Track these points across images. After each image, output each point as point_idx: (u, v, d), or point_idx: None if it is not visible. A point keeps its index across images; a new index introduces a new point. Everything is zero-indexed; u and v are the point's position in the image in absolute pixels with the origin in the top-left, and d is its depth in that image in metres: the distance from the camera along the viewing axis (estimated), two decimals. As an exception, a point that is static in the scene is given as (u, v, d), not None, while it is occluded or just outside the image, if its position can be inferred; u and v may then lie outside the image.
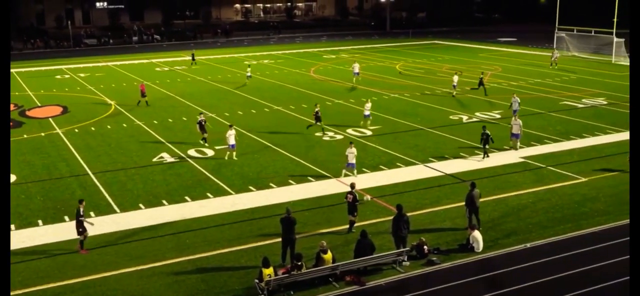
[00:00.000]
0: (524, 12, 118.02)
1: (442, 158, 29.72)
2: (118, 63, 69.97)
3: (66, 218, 22.91)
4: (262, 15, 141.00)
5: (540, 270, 18.36)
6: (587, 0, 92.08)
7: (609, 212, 22.70)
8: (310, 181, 26.86)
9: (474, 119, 37.61)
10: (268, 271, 17.04)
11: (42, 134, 36.17)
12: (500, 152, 30.29)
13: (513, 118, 31.80)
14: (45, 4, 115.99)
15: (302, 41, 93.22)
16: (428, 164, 28.91)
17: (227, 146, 30.15)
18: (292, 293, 17.28)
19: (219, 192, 25.61)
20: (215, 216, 23.08)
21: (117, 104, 44.62)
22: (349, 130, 35.00)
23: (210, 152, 31.28)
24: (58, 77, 60.15)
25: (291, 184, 26.46)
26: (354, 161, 26.83)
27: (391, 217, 19.82)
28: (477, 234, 19.82)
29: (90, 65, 68.81)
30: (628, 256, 18.34)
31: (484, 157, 29.50)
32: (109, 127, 37.65)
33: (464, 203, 21.54)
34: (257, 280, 17.31)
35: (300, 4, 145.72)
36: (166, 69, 64.47)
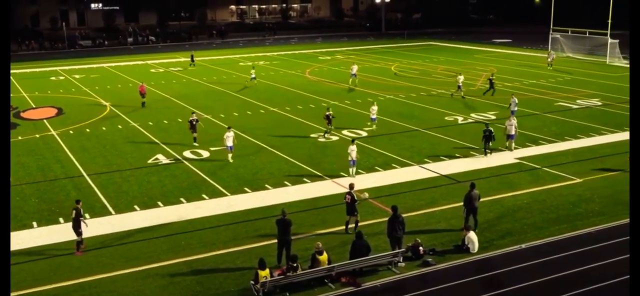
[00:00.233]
0: (519, 13, 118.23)
1: (437, 159, 29.79)
2: (113, 64, 69.85)
3: (61, 219, 22.87)
4: (257, 16, 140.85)
5: (535, 270, 18.39)
6: (581, 1, 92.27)
7: (604, 213, 22.77)
8: (306, 182, 26.88)
9: (470, 120, 37.71)
10: (264, 273, 17.03)
11: (37, 136, 36.07)
12: (495, 153, 30.36)
13: (508, 119, 31.87)
14: (40, 5, 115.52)
15: (298, 42, 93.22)
16: (423, 165, 28.96)
17: (225, 147, 30.13)
18: (287, 294, 17.27)
19: (214, 194, 25.59)
20: (210, 217, 23.06)
21: (112, 106, 44.54)
22: (345, 131, 35.02)
23: (205, 153, 31.27)
24: (53, 78, 60.02)
25: (287, 185, 26.46)
26: (355, 159, 26.96)
27: (386, 218, 19.84)
28: (472, 235, 19.85)
29: (85, 66, 68.66)
30: (623, 257, 18.49)
31: (486, 155, 29.60)
32: (104, 128, 37.57)
33: (461, 203, 21.55)
34: (252, 282, 17.30)
35: (295, 5, 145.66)
36: (161, 70, 64.39)
